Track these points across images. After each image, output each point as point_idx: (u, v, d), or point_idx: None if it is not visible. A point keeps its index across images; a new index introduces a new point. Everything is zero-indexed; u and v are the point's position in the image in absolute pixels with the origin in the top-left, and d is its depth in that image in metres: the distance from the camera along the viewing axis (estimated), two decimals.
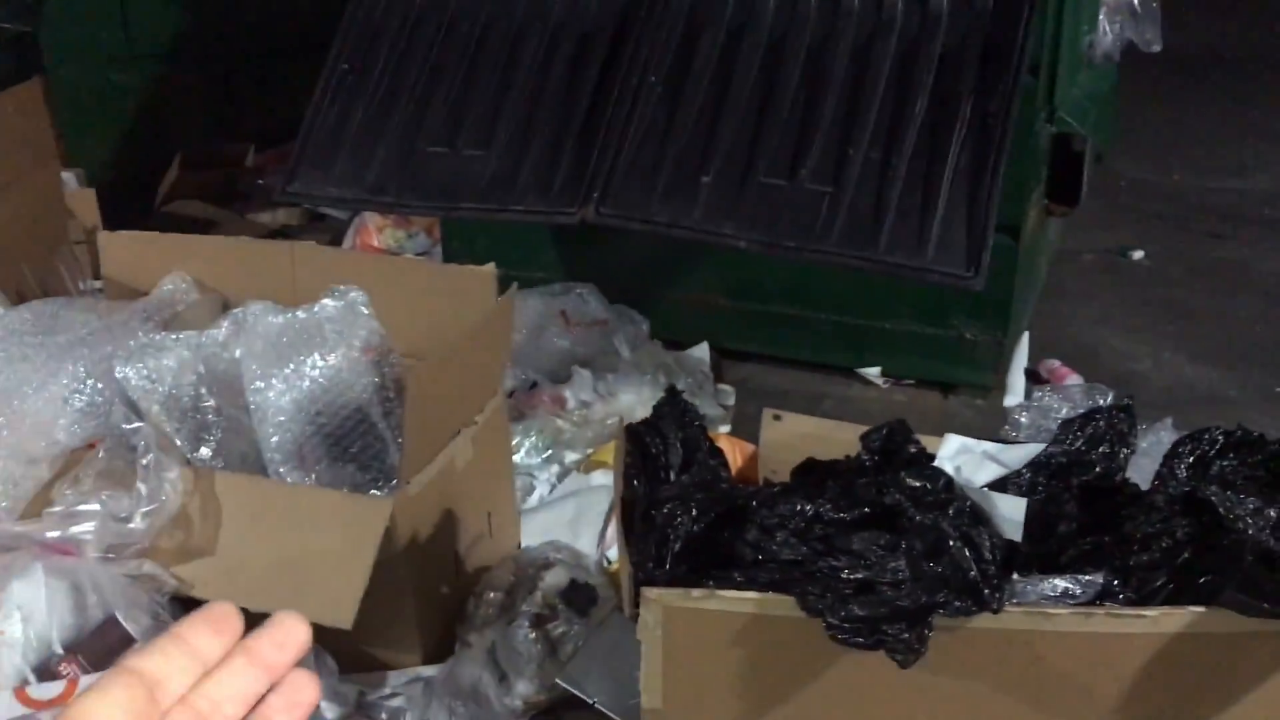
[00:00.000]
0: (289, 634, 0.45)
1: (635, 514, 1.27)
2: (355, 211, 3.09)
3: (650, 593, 1.08)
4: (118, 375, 1.62)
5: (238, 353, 1.66)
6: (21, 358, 1.60)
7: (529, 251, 2.77)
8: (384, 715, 1.56)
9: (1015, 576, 1.13)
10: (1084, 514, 1.27)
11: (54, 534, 1.49)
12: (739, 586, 1.10)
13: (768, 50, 2.10)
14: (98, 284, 2.34)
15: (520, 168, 2.12)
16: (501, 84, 2.20)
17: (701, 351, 2.55)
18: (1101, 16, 2.65)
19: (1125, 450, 1.40)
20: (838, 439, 1.79)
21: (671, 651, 1.10)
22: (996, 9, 1.97)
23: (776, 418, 2.02)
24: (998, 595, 1.07)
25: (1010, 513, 1.22)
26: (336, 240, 3.15)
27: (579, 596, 1.65)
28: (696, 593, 1.09)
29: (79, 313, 1.76)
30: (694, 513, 1.24)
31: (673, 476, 1.36)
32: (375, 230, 3.13)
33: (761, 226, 1.96)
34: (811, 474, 1.42)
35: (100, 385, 1.62)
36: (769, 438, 1.97)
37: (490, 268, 1.86)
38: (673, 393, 1.42)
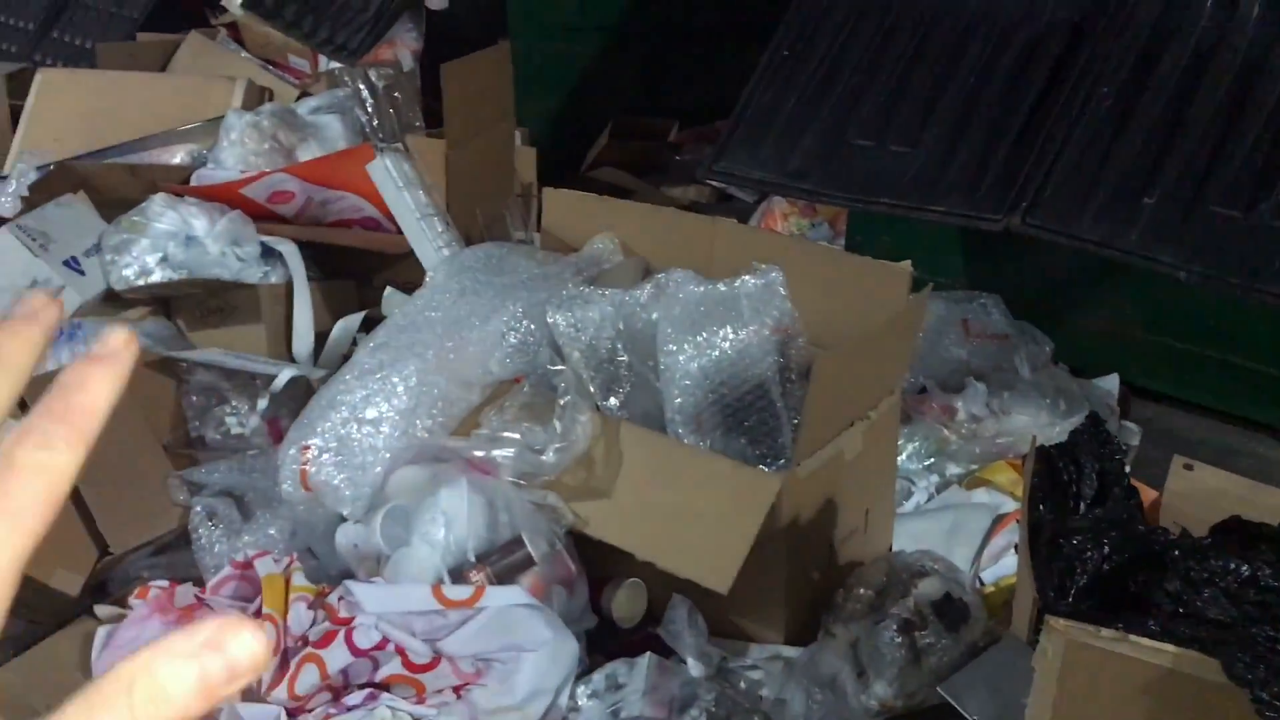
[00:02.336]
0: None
1: (1040, 539, 1.22)
2: (766, 195, 3.16)
3: (1056, 623, 1.03)
4: (549, 320, 1.76)
5: (655, 315, 1.75)
6: (473, 292, 1.77)
7: (934, 254, 2.71)
8: (743, 684, 1.60)
9: None
10: None
11: (479, 453, 1.64)
12: (1154, 636, 1.03)
13: (1240, 70, 1.93)
14: (528, 235, 2.54)
15: (947, 168, 2.08)
16: (939, 82, 2.16)
17: (1110, 383, 2.40)
18: None
19: None
20: (1257, 501, 1.63)
21: (1067, 687, 1.05)
22: None
23: (1188, 467, 1.87)
24: None
25: None
26: (742, 221, 3.22)
27: (951, 610, 1.61)
28: (1106, 632, 1.03)
29: (521, 258, 1.92)
30: (1105, 550, 1.17)
31: (1082, 508, 1.29)
32: (781, 216, 3.17)
33: (1206, 258, 1.81)
34: (1236, 534, 1.30)
35: (533, 326, 1.76)
36: (1175, 487, 1.82)
37: (906, 265, 1.84)
38: (1095, 421, 1.35)
